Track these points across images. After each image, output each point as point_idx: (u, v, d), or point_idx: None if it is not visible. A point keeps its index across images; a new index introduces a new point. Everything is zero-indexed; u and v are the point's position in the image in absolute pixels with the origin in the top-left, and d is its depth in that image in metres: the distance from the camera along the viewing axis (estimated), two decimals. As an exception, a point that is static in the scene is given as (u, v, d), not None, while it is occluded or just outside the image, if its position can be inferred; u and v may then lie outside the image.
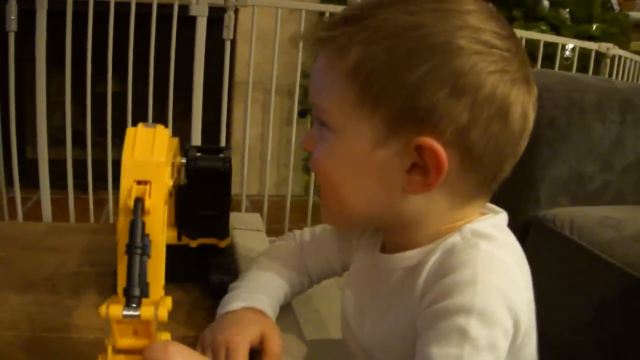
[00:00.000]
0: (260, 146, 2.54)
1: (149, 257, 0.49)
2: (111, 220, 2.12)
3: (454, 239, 0.56)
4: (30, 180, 2.08)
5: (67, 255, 0.89)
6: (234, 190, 2.39)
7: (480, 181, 0.58)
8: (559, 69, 2.26)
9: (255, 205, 2.27)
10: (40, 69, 1.85)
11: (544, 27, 2.24)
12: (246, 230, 1.04)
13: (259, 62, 2.16)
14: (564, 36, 2.27)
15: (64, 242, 0.94)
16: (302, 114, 2.62)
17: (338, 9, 2.29)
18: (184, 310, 0.74)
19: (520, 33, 2.17)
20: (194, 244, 0.79)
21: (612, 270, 1.04)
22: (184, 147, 0.81)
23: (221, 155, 0.84)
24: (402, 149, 0.55)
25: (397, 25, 0.54)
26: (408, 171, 0.56)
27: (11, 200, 2.01)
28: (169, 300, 0.51)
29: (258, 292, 0.70)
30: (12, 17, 1.80)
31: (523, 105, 0.55)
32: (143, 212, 0.49)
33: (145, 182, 0.52)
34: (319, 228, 0.81)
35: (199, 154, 0.78)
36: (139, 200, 0.50)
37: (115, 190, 2.07)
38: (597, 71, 2.32)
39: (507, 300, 0.51)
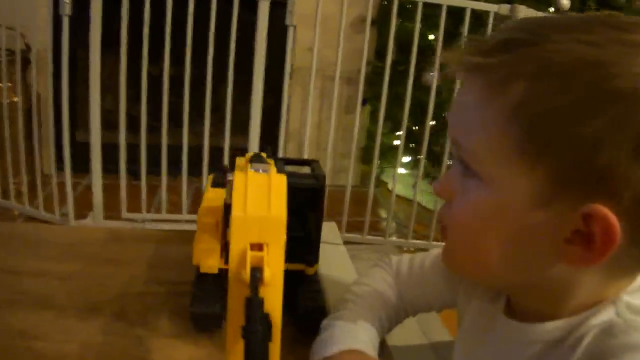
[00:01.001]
0: (317, 134, 2.44)
1: (270, 340, 0.40)
2: (164, 208, 2.04)
3: (609, 314, 0.47)
4: (79, 165, 2.02)
5: (131, 270, 0.80)
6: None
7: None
8: None
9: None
10: (94, 52, 1.80)
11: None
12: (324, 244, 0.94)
13: (318, 48, 2.06)
14: None
15: (125, 252, 0.86)
16: (364, 102, 2.52)
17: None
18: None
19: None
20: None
21: None
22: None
23: (313, 171, 0.75)
24: (566, 213, 0.44)
25: (573, 58, 0.42)
26: (567, 239, 0.45)
27: (61, 185, 1.95)
28: None
29: (357, 332, 0.62)
30: (67, 1, 1.78)
31: None
32: (261, 282, 0.40)
33: (260, 245, 0.42)
34: (418, 259, 0.72)
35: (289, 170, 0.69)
36: (257, 271, 0.40)
37: (169, 177, 2.00)
38: None
39: None
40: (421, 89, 2.19)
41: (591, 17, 0.46)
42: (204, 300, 0.68)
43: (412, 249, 2.25)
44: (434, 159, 2.31)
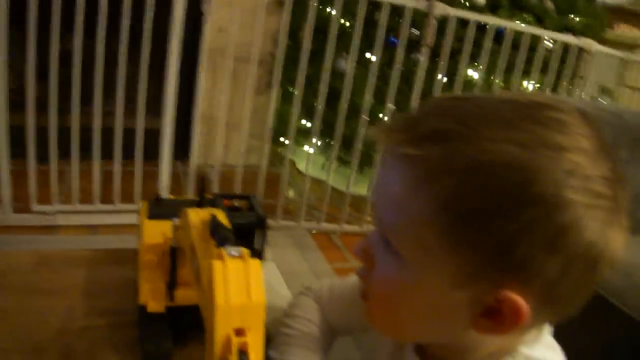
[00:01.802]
0: (228, 115, 2.43)
1: None
2: (75, 198, 1.97)
3: None
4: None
5: (68, 301, 0.80)
6: (200, 160, 2.29)
7: (551, 319, 0.53)
8: (542, 60, 2.24)
9: (222, 177, 2.18)
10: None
11: (528, 18, 2.20)
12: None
13: (229, 29, 2.04)
14: (547, 27, 2.24)
15: (58, 280, 0.85)
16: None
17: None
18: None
19: (506, 24, 2.13)
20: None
21: (626, 319, 1.06)
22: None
23: (252, 206, 0.77)
24: (480, 295, 0.49)
25: (501, 160, 0.45)
26: (480, 314, 0.50)
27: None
28: None
29: None
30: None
31: (614, 252, 0.49)
32: None
33: (242, 330, 0.45)
34: (337, 285, 0.77)
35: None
36: (244, 355, 0.43)
37: (83, 163, 1.92)
38: (577, 65, 2.33)
39: None
40: (334, 74, 2.23)
41: (521, 110, 0.48)
42: (154, 338, 0.71)
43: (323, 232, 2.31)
44: (345, 142, 2.37)
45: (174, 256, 0.69)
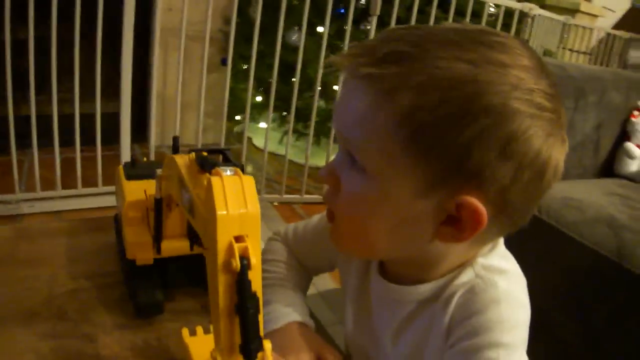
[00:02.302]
0: (182, 95, 2.43)
1: (259, 312, 0.49)
2: (37, 186, 1.95)
3: (469, 275, 0.59)
4: None
5: (54, 269, 0.82)
6: (156, 141, 2.26)
7: (505, 229, 0.58)
8: (485, 24, 2.31)
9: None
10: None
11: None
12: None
13: (178, 7, 2.04)
14: (490, -7, 2.31)
15: (41, 250, 0.86)
16: (224, 61, 2.51)
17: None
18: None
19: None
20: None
21: (581, 248, 1.16)
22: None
23: (227, 159, 0.80)
24: (442, 202, 0.53)
25: (453, 75, 0.50)
26: (443, 222, 0.55)
27: None
28: (268, 345, 0.52)
29: (295, 305, 0.71)
30: None
31: (558, 163, 0.55)
32: (249, 267, 0.48)
33: (241, 237, 0.49)
34: (301, 226, 0.81)
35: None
36: (244, 259, 0.48)
37: (41, 152, 1.90)
38: (519, 28, 2.41)
39: (525, 331, 0.56)
40: (286, 48, 2.25)
41: (468, 34, 0.53)
42: (146, 290, 0.74)
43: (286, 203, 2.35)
44: (300, 115, 2.40)
45: (159, 208, 0.71)
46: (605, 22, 4.01)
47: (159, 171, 0.70)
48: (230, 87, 2.27)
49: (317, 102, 2.26)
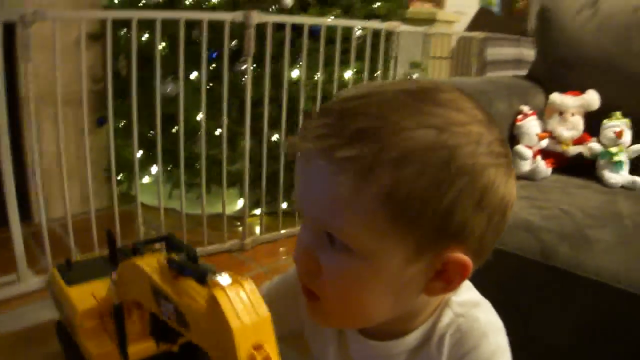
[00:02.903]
0: (62, 163, 2.29)
1: None
2: None
3: (449, 316, 0.63)
4: None
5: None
6: (36, 219, 2.10)
7: (477, 266, 0.60)
8: (356, 49, 2.37)
9: (74, 228, 2.04)
10: None
11: (337, 12, 2.32)
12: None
13: (43, 72, 1.92)
14: (356, 17, 2.38)
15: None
16: (100, 121, 2.41)
17: (119, 14, 2.13)
18: None
19: (319, 21, 2.22)
20: (175, 347, 0.73)
21: (507, 256, 1.24)
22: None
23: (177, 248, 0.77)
24: (430, 263, 0.56)
25: (424, 145, 0.52)
26: (431, 279, 0.57)
27: None
28: None
29: None
30: None
31: (513, 199, 0.59)
32: None
33: (259, 346, 0.48)
34: (272, 288, 0.77)
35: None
36: None
37: None
38: (387, 46, 2.50)
39: (509, 351, 0.63)
40: (164, 99, 2.19)
41: (418, 95, 0.55)
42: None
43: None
44: (186, 165, 2.33)
45: (120, 313, 0.66)
46: (460, 27, 4.27)
47: (114, 275, 0.66)
48: (106, 146, 2.18)
49: (204, 150, 2.21)
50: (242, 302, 0.48)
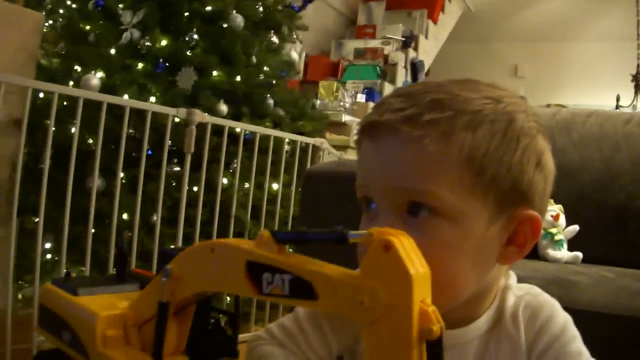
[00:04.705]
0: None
1: None
2: None
3: (512, 298, 0.67)
4: None
5: None
6: None
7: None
8: (284, 159, 2.39)
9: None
10: None
11: (268, 123, 2.37)
12: None
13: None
14: (284, 131, 2.44)
15: None
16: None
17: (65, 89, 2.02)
18: None
19: (256, 128, 2.25)
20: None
21: None
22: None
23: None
24: (506, 224, 0.60)
25: (491, 110, 0.59)
26: (505, 245, 0.61)
27: None
28: None
29: None
30: None
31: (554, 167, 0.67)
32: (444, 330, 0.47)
33: (424, 300, 0.46)
34: (289, 321, 0.73)
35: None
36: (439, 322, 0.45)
37: None
38: (314, 159, 2.57)
39: None
40: (84, 195, 2.05)
41: (466, 83, 0.62)
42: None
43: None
44: (99, 264, 2.14)
45: (165, 312, 0.57)
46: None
47: (169, 267, 0.58)
48: (21, 245, 1.97)
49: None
50: (413, 251, 0.47)
